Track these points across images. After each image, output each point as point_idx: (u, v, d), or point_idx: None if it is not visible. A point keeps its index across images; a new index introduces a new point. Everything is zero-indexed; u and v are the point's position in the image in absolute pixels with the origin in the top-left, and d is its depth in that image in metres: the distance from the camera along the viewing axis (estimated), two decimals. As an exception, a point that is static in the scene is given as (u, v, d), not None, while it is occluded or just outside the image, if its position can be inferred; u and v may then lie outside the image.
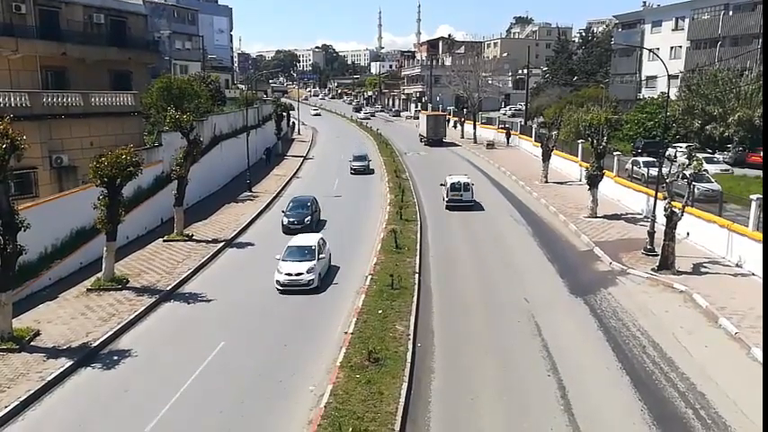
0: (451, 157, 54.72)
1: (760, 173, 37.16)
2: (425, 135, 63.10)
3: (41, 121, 26.55)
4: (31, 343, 17.11)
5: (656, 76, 58.86)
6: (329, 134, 77.03)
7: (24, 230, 17.12)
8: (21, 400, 14.22)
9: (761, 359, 15.68)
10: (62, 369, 15.66)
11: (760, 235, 21.45)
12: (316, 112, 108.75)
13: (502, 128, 63.98)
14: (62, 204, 23.68)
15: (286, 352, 16.96)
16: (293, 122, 77.33)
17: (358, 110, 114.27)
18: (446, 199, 34.49)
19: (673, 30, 59.28)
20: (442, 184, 36.02)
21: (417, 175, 45.08)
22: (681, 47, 58.18)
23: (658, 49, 56.15)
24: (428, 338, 17.76)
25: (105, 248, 21.49)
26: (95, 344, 17.11)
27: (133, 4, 42.16)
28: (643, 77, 63.01)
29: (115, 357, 16.69)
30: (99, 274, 21.73)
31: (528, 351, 16.89)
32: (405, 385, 14.58)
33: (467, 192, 34.14)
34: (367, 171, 46.62)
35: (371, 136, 71.71)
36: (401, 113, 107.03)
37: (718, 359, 16.13)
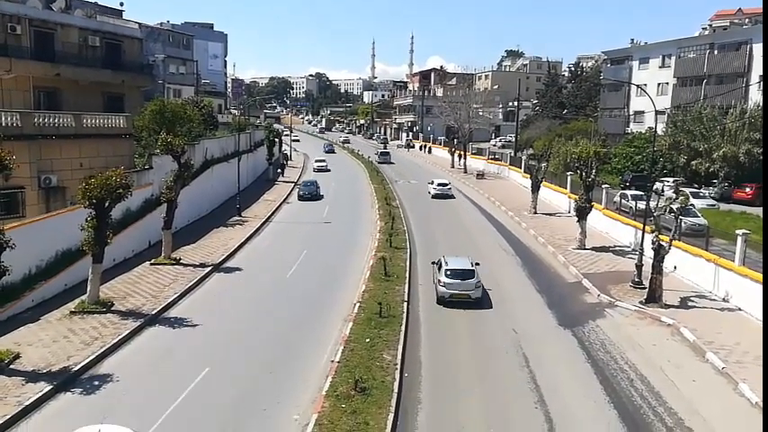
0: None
1: (745, 208, 37.71)
2: (324, 126, 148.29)
3: (31, 141, 26.47)
4: (11, 366, 16.70)
5: (643, 112, 59.89)
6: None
7: (9, 250, 16.90)
8: (-3, 424, 13.86)
9: (748, 395, 15.67)
10: (40, 394, 15.28)
11: (746, 270, 21.65)
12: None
13: (491, 158, 65.82)
14: (49, 225, 23.41)
15: (271, 379, 16.70)
16: (285, 149, 77.50)
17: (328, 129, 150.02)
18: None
19: (660, 67, 60.59)
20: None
21: (408, 203, 45.20)
22: (668, 83, 59.39)
23: (646, 85, 57.42)
24: (415, 368, 17.58)
25: (91, 271, 21.19)
26: (76, 368, 16.74)
27: (129, 27, 42.64)
28: (631, 112, 64.11)
29: (96, 382, 16.32)
30: (83, 297, 21.42)
31: (515, 383, 16.76)
32: (391, 416, 14.37)
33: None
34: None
35: (363, 164, 71.98)
36: (389, 141, 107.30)
37: (706, 394, 16.08)
